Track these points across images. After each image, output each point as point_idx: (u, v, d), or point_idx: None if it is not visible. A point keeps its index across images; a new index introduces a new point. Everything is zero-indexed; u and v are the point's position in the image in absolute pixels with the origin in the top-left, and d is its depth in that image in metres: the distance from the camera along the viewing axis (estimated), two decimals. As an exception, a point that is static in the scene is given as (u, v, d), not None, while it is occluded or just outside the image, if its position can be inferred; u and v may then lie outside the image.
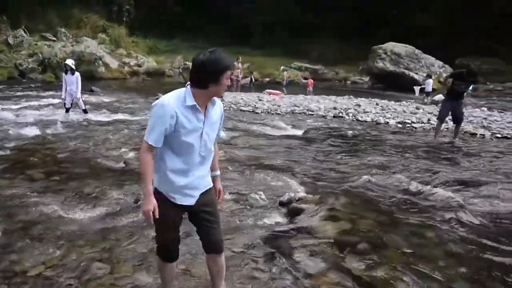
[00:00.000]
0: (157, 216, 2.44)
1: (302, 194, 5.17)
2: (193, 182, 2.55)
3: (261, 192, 5.13)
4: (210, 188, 2.70)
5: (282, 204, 4.84)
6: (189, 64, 17.29)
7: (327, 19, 39.01)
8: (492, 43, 36.45)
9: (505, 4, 35.47)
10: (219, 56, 2.38)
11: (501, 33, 36.10)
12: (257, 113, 12.51)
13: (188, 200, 2.57)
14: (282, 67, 25.97)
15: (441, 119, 9.16)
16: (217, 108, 2.58)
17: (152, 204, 2.42)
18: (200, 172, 2.57)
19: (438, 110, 9.58)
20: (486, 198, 5.34)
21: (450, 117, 9.39)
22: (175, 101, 2.39)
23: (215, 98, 2.51)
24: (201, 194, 2.63)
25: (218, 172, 2.82)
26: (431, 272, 3.53)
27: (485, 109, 14.33)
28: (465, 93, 9.31)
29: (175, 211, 2.58)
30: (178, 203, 2.55)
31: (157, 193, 2.54)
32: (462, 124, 10.62)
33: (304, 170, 6.40)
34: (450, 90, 8.97)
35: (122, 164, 6.36)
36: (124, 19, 34.31)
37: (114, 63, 26.66)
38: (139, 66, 28.57)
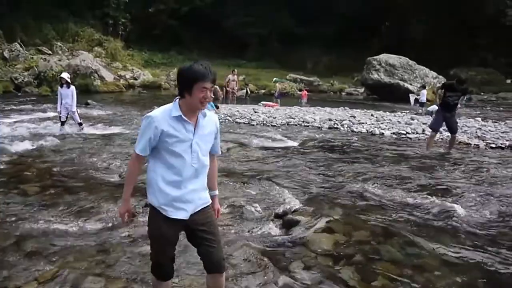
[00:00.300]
0: (125, 220, 2.65)
1: (297, 205, 5.17)
2: (185, 195, 2.52)
3: (257, 204, 5.12)
4: (207, 207, 2.66)
5: (277, 216, 4.83)
6: (185, 77, 17.20)
7: (321, 31, 39.33)
8: (486, 54, 36.83)
9: (497, 15, 35.92)
10: (195, 67, 2.42)
11: (494, 44, 36.51)
12: (252, 125, 12.54)
13: (180, 214, 2.53)
14: (274, 78, 25.96)
15: (434, 129, 9.18)
16: (209, 121, 2.59)
17: (125, 208, 2.63)
18: (193, 186, 2.54)
19: (432, 120, 9.57)
20: (482, 208, 5.35)
21: (444, 127, 9.43)
22: (161, 112, 2.48)
23: (205, 110, 2.54)
24: (198, 212, 2.60)
25: (216, 192, 2.83)
26: (427, 282, 3.53)
27: (479, 119, 14.41)
28: (459, 105, 9.30)
29: (168, 226, 2.54)
30: (170, 216, 2.52)
31: (151, 208, 2.58)
32: (457, 135, 10.70)
33: (299, 181, 6.40)
34: (443, 102, 9.04)
35: (117, 178, 6.35)
36: (119, 32, 34.45)
37: (110, 76, 26.71)
38: (135, 79, 28.62)
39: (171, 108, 2.47)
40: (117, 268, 3.56)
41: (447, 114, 8.94)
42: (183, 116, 2.45)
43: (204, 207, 2.64)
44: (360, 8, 37.69)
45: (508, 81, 36.04)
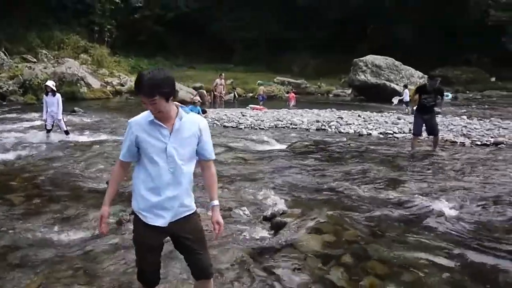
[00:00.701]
0: (103, 230, 2.60)
1: (285, 208, 5.18)
2: (164, 202, 2.48)
3: (245, 207, 5.12)
4: (190, 215, 2.59)
5: (265, 218, 4.83)
6: (171, 82, 16.99)
7: (309, 34, 39.53)
8: (470, 53, 37.33)
9: (480, 15, 36.45)
10: (135, 79, 2.36)
11: (478, 43, 37.01)
12: (240, 128, 12.53)
13: (159, 221, 2.50)
14: (258, 81, 25.82)
15: (416, 134, 9.07)
16: (189, 124, 2.50)
17: (101, 212, 2.59)
18: (171, 193, 2.48)
19: (412, 125, 9.39)
20: (468, 206, 5.40)
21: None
22: (139, 118, 2.48)
23: (182, 113, 2.47)
24: (181, 220, 2.55)
25: (214, 202, 2.61)
26: (415, 281, 3.55)
27: (465, 117, 14.57)
28: (439, 108, 9.22)
29: (149, 232, 2.52)
30: (148, 222, 2.50)
31: (135, 214, 2.58)
32: (443, 133, 10.80)
33: (288, 183, 6.41)
34: (419, 105, 9.00)
35: (104, 185, 6.29)
36: (105, 39, 34.25)
37: (96, 83, 26.49)
38: (122, 85, 28.42)
39: (149, 113, 2.45)
40: (103, 277, 3.52)
41: (425, 116, 8.87)
42: (155, 120, 2.41)
43: (189, 214, 2.58)
44: (347, 11, 37.98)
45: (493, 79, 36.53)
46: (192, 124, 2.51)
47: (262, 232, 4.53)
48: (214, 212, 2.61)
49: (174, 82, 2.42)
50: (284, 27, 40.14)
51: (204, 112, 13.90)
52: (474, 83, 35.08)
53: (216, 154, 8.45)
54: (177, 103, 2.52)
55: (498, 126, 12.32)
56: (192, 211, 2.61)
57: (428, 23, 36.40)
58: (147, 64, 36.86)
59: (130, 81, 29.41)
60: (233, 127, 12.69)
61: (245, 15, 40.34)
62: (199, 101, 12.90)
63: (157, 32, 39.09)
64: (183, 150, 2.48)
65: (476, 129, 11.81)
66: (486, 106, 22.80)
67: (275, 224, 4.65)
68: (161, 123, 2.42)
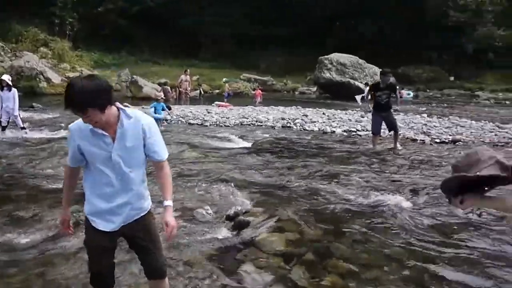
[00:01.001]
0: (67, 230, 2.58)
1: (249, 206, 5.14)
2: (113, 208, 2.41)
3: (208, 207, 5.04)
4: (142, 217, 2.52)
5: (228, 218, 4.78)
6: (137, 78, 16.76)
7: (275, 32, 39.65)
8: (431, 53, 38.47)
9: (440, 16, 37.58)
10: (71, 86, 2.15)
11: (438, 43, 38.18)
12: (206, 126, 12.41)
13: (108, 226, 2.44)
14: (224, 79, 25.64)
15: (375, 132, 9.20)
16: (130, 128, 2.33)
17: (61, 216, 2.60)
18: (121, 200, 2.40)
19: (371, 124, 9.53)
20: (428, 203, 5.52)
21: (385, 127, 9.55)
22: (80, 124, 2.31)
23: (123, 119, 2.31)
24: (132, 222, 2.49)
25: (167, 202, 2.44)
26: (376, 278, 3.59)
27: (425, 115, 14.98)
28: (396, 106, 9.32)
29: (100, 236, 2.44)
30: (97, 227, 2.43)
31: (86, 217, 2.50)
32: (404, 131, 11.05)
33: (252, 182, 6.38)
34: (375, 103, 9.14)
35: (62, 184, 6.06)
36: (67, 32, 33.18)
37: (57, 78, 25.62)
38: (84, 80, 27.68)
39: None
40: (59, 281, 3.38)
41: (382, 113, 8.99)
42: (95, 129, 2.26)
43: (141, 216, 2.52)
44: (313, 9, 38.33)
45: (451, 78, 37.82)
46: (135, 127, 2.34)
47: (224, 232, 4.47)
48: (166, 213, 2.45)
49: (109, 89, 2.22)
50: (251, 24, 40.12)
51: (169, 108, 13.70)
52: (434, 82, 36.23)
53: (179, 152, 8.36)
54: (118, 104, 2.35)
55: (456, 124, 12.73)
56: (145, 212, 2.54)
57: (391, 23, 37.25)
58: (111, 59, 36.01)
59: (92, 76, 28.68)
60: (198, 124, 12.56)
61: (212, 11, 40.03)
62: (162, 97, 12.71)
63: (122, 26, 38.23)
64: (129, 157, 2.36)
65: (436, 127, 12.15)
66: (445, 105, 23.57)
67: (238, 223, 4.60)
68: (102, 131, 2.28)
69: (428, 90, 34.14)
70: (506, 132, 11.58)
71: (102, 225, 2.42)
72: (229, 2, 39.77)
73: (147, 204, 2.56)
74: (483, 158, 1.68)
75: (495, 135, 11.09)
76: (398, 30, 37.54)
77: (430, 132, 11.20)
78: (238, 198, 5.52)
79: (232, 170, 7.11)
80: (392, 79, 9.32)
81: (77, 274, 3.46)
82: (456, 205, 1.79)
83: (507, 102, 27.93)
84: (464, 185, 1.72)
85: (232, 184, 6.11)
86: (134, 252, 2.66)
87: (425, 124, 12.53)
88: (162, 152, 2.47)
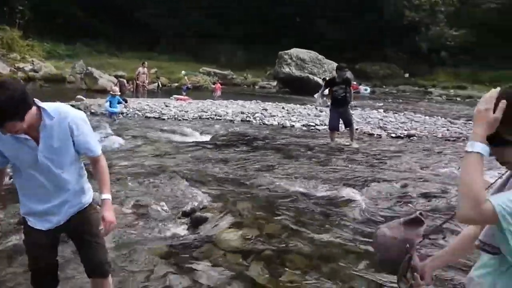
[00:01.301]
0: None
1: (206, 202, 5.01)
2: (49, 209, 2.27)
3: (163, 203, 4.88)
4: (83, 210, 2.39)
5: (185, 214, 4.63)
6: (92, 69, 16.10)
7: (235, 26, 39.42)
8: (387, 50, 39.50)
9: (396, 15, 38.64)
10: None
11: (394, 41, 39.27)
12: (163, 119, 12.12)
13: (45, 225, 2.31)
14: (183, 72, 24.97)
15: (332, 128, 9.26)
16: (55, 127, 2.15)
17: None
18: (57, 200, 2.27)
19: (329, 120, 9.57)
20: (383, 196, 5.59)
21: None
22: None
23: (45, 120, 2.12)
24: (71, 218, 2.35)
25: (105, 196, 2.33)
26: (335, 272, 3.57)
27: (382, 110, 15.29)
28: (351, 101, 9.38)
29: (36, 233, 2.31)
30: (34, 226, 2.29)
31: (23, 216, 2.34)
32: (362, 126, 11.23)
33: (210, 177, 6.24)
34: (332, 98, 9.22)
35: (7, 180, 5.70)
36: (17, 20, 31.56)
37: (5, 69, 24.37)
38: (36, 71, 26.40)
39: None
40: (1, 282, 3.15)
41: (339, 109, 9.04)
42: (16, 135, 2.07)
43: (81, 210, 2.38)
44: (272, 4, 38.37)
45: (406, 75, 39.00)
46: (60, 125, 2.16)
47: (181, 229, 4.33)
48: (104, 207, 2.33)
49: (25, 96, 1.96)
50: (210, 16, 39.68)
51: (125, 101, 13.30)
52: (390, 78, 37.24)
53: (135, 146, 8.07)
54: (38, 103, 2.12)
55: (411, 119, 13.08)
56: (85, 206, 2.40)
57: (350, 20, 37.90)
58: (65, 50, 34.60)
59: (44, 67, 27.45)
60: (156, 118, 12.24)
61: (171, 3, 39.24)
62: (117, 93, 12.36)
63: (77, 16, 36.74)
64: (58, 157, 2.20)
65: (392, 122, 12.43)
66: (401, 100, 24.24)
67: (195, 220, 4.48)
68: (24, 136, 2.09)
69: (384, 86, 35.04)
70: (458, 127, 12.02)
71: (39, 225, 2.30)
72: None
73: (88, 197, 2.43)
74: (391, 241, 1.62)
75: (447, 130, 11.48)
76: (356, 28, 38.24)
77: (386, 127, 11.44)
78: (195, 194, 5.37)
79: (190, 164, 6.95)
80: (348, 74, 9.38)
81: (22, 272, 3.24)
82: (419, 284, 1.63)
83: (458, 98, 29.10)
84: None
85: (189, 179, 5.96)
86: (77, 248, 2.52)
87: (382, 119, 12.79)
88: (95, 147, 2.33)
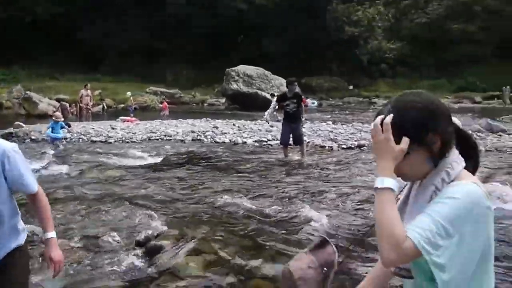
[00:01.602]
0: None
1: (161, 229, 4.73)
2: None
3: (115, 233, 4.55)
4: (10, 253, 2.06)
5: (138, 244, 4.33)
6: (31, 94, 15.26)
7: (181, 44, 39.15)
8: (331, 64, 40.76)
9: (337, 30, 40.03)
10: None
11: (336, 55, 40.61)
12: (110, 142, 11.61)
13: None
14: (128, 93, 24.22)
15: (284, 143, 9.17)
16: None
17: None
18: None
19: (280, 135, 9.48)
20: (341, 211, 5.54)
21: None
22: None
23: None
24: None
25: (49, 234, 2.15)
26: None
27: (330, 122, 15.54)
28: (303, 117, 9.32)
29: None
30: None
31: None
32: (313, 138, 11.31)
33: (163, 201, 5.96)
34: (284, 113, 9.18)
35: None
36: None
37: None
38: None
39: None
40: None
41: (292, 124, 8.99)
42: None
43: (8, 253, 2.06)
44: (217, 21, 38.52)
45: (350, 87, 40.34)
46: None
47: (135, 260, 4.03)
48: (49, 246, 2.13)
49: None
50: (157, 36, 39.19)
51: (68, 126, 12.66)
52: (335, 91, 38.34)
53: (81, 173, 7.62)
54: None
55: (360, 130, 13.35)
56: (10, 249, 2.07)
57: (294, 36, 38.77)
58: (1, 74, 32.82)
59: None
60: (102, 142, 11.71)
61: (115, 23, 38.37)
62: (60, 118, 11.81)
63: (14, 36, 34.96)
64: None
65: (341, 133, 12.63)
66: (347, 112, 24.90)
67: (150, 249, 4.19)
68: None
69: (330, 99, 35.95)
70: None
71: None
72: (132, 15, 38.48)
73: (20, 240, 2.12)
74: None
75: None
76: (300, 43, 39.16)
77: (336, 139, 11.58)
78: (149, 220, 5.09)
79: (141, 189, 6.62)
80: (297, 89, 9.41)
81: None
82: None
83: (400, 108, 30.26)
84: None
85: (141, 205, 5.66)
86: None
87: (331, 131, 12.96)
88: (30, 183, 2.09)
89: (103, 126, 13.85)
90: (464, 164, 1.23)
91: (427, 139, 1.18)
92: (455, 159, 1.22)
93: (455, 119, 1.28)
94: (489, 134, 12.91)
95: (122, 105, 27.05)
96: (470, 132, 1.35)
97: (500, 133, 12.96)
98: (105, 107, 23.97)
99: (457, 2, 42.27)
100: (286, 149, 9.17)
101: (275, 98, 19.41)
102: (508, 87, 32.30)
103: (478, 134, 12.75)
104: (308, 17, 38.73)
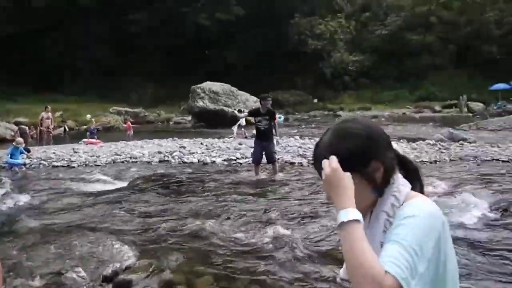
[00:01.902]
0: None
1: (130, 260, 4.49)
2: None
3: (79, 269, 4.28)
4: None
5: (106, 279, 4.08)
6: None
7: (144, 61, 38.72)
8: (295, 77, 41.28)
9: (300, 44, 40.71)
10: None
11: (301, 68, 41.21)
12: (73, 167, 11.18)
13: None
14: (88, 115, 23.41)
15: (255, 162, 9.04)
16: None
17: None
18: None
19: (252, 153, 9.37)
20: (315, 230, 5.46)
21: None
22: None
23: None
24: None
25: None
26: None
27: (298, 137, 15.57)
28: (275, 136, 9.22)
29: None
30: None
31: None
32: (282, 155, 11.24)
33: (131, 229, 5.71)
34: (256, 129, 9.08)
35: None
36: None
37: None
38: None
39: None
40: None
41: (264, 142, 8.89)
42: None
43: None
44: (180, 37, 38.40)
45: (315, 100, 40.90)
46: None
47: (102, 298, 3.80)
48: None
49: None
50: (119, 54, 38.64)
51: (27, 151, 12.13)
52: (301, 105, 38.78)
53: (41, 202, 7.25)
54: None
55: (327, 144, 13.38)
56: None
57: (259, 49, 39.12)
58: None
59: None
60: (64, 166, 11.26)
61: (74, 41, 37.59)
62: (21, 143, 11.40)
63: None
64: None
65: (310, 148, 12.61)
66: (313, 126, 25.14)
67: (118, 284, 3.96)
68: None
69: (296, 113, 36.28)
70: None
71: None
72: (93, 33, 37.82)
73: None
74: None
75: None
76: (264, 58, 39.53)
77: (306, 154, 11.55)
78: (116, 252, 4.82)
79: (107, 217, 6.33)
80: (270, 104, 9.33)
81: None
82: None
83: (365, 119, 30.86)
84: None
85: (108, 235, 5.38)
86: None
87: (300, 147, 12.96)
88: None
89: (65, 150, 13.36)
90: (410, 186, 1.21)
91: (369, 167, 1.16)
92: (401, 183, 1.19)
93: (395, 146, 1.27)
94: (452, 143, 13.25)
95: (85, 127, 26.35)
96: (410, 158, 1.33)
97: (462, 142, 13.33)
98: (67, 130, 23.31)
99: (414, 14, 43.91)
100: (257, 167, 9.06)
101: (242, 114, 19.48)
102: (464, 96, 33.62)
103: (441, 143, 13.07)
104: (271, 30, 39.25)
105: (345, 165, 1.12)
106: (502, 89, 33.86)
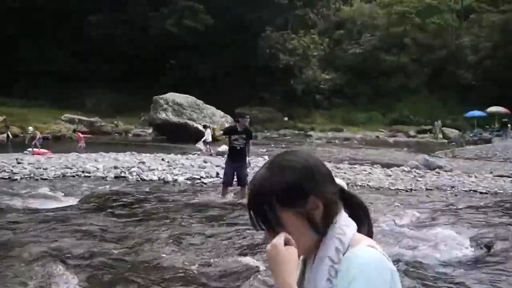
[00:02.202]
0: None
1: (74, 290, 4.22)
2: None
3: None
4: None
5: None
6: None
7: (103, 68, 37.96)
8: (264, 93, 41.54)
9: (271, 58, 41.13)
10: None
11: (270, 84, 41.59)
12: (15, 179, 10.63)
13: None
14: (29, 128, 22.00)
15: (226, 184, 8.89)
16: None
17: None
18: None
19: (223, 174, 9.20)
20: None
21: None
22: None
23: None
24: None
25: None
26: None
27: (267, 157, 15.48)
28: (249, 156, 9.09)
29: None
30: None
31: None
32: (250, 177, 11.08)
33: (79, 254, 5.38)
34: (230, 148, 8.96)
35: None
36: None
37: None
38: None
39: None
40: None
41: (236, 164, 8.73)
42: None
43: None
44: (144, 44, 38.02)
45: (285, 118, 41.17)
46: None
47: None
48: None
49: None
50: (75, 58, 37.77)
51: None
52: (270, 122, 38.90)
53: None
54: None
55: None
56: None
57: (226, 62, 39.20)
58: None
59: None
60: (5, 179, 10.70)
61: (25, 42, 36.54)
62: None
63: None
64: None
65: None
66: (283, 145, 25.22)
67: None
68: None
69: (265, 131, 36.33)
70: (344, 172, 12.60)
71: None
72: (49, 35, 36.91)
73: None
74: None
75: (335, 176, 11.88)
76: (233, 70, 39.64)
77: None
78: (61, 278, 4.55)
79: (52, 238, 5.98)
80: (247, 123, 9.22)
81: None
82: None
83: (336, 141, 31.31)
84: None
85: (52, 260, 5.05)
86: None
87: (269, 168, 12.84)
88: None
89: (7, 160, 12.72)
90: (356, 226, 1.15)
91: (307, 204, 1.11)
92: (345, 223, 1.14)
93: (339, 181, 1.23)
94: (427, 171, 13.51)
95: (31, 134, 25.38)
96: (356, 193, 1.28)
97: (438, 170, 13.62)
98: (10, 137, 22.31)
99: (389, 34, 45.35)
100: (226, 189, 8.89)
101: (208, 130, 19.29)
102: (439, 121, 34.72)
103: (417, 171, 13.31)
104: (241, 42, 39.51)
105: (281, 201, 1.10)
106: (477, 116, 35.01)
